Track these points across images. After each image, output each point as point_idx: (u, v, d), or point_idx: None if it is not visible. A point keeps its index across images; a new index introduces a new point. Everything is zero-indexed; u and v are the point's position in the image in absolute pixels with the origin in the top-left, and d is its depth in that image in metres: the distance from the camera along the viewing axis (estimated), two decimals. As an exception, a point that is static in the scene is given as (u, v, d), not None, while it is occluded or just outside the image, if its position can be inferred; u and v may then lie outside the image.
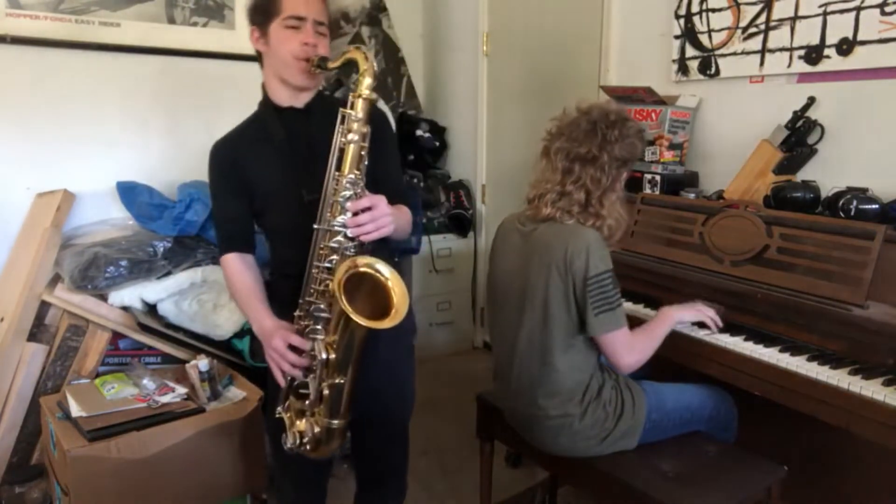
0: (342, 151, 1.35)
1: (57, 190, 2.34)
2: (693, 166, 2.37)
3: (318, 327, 1.38)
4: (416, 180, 3.55)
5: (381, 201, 1.35)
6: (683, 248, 1.95)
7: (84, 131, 2.44)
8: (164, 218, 2.32)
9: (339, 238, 1.36)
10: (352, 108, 1.35)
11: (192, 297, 2.26)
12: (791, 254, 1.72)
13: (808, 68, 2.04)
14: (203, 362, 2.01)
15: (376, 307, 1.32)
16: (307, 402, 1.39)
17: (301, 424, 1.41)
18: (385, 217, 1.35)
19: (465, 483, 2.32)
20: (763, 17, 2.13)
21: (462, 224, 3.57)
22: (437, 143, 3.75)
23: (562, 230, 1.54)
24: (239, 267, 1.55)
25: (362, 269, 1.32)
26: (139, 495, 1.83)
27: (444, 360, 3.53)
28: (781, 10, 2.08)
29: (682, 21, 2.38)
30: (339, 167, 1.35)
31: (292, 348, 1.38)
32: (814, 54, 2.02)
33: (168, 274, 2.23)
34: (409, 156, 3.65)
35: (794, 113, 2.03)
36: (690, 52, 2.37)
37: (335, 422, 1.37)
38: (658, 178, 2.24)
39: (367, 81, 1.35)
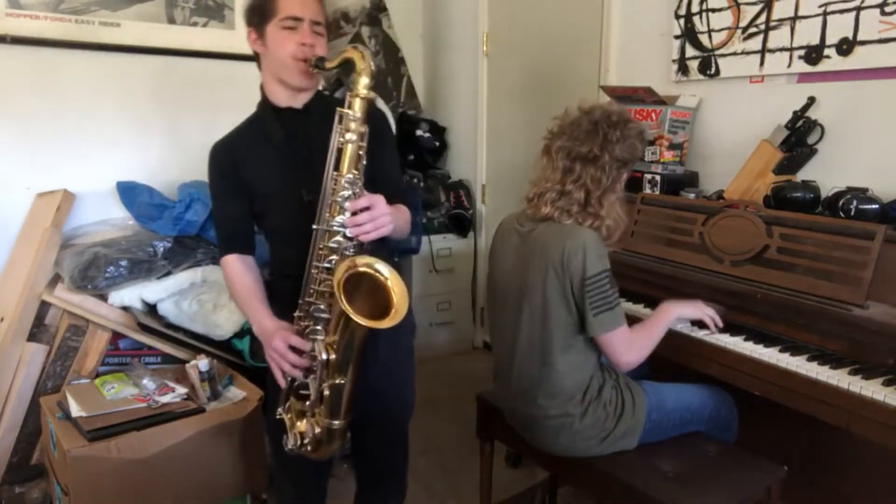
0: (340, 151, 1.35)
1: (57, 190, 2.34)
2: (693, 166, 2.37)
3: (318, 328, 1.38)
4: (416, 180, 3.55)
5: (379, 201, 1.35)
6: (683, 248, 1.95)
7: (84, 131, 2.44)
8: (164, 218, 2.32)
9: (339, 238, 1.36)
10: (349, 107, 1.35)
11: (192, 297, 2.26)
12: (791, 254, 1.72)
13: (808, 68, 2.04)
14: (203, 362, 2.01)
15: (376, 307, 1.32)
16: (308, 402, 1.39)
17: (302, 425, 1.41)
18: (384, 217, 1.35)
19: (465, 483, 2.32)
20: (763, 17, 2.13)
21: (462, 224, 3.57)
22: (437, 143, 3.75)
23: (560, 230, 1.54)
24: (239, 268, 1.55)
25: (362, 269, 1.33)
26: (139, 495, 1.83)
27: (444, 360, 3.53)
28: (781, 10, 2.08)
29: (682, 21, 2.39)
30: (337, 167, 1.35)
31: (292, 349, 1.38)
32: (814, 54, 2.02)
33: (168, 274, 2.23)
34: (409, 156, 3.65)
35: (794, 113, 2.03)
36: (690, 52, 2.37)
37: (336, 422, 1.37)
38: (658, 178, 2.24)
39: (365, 81, 1.35)
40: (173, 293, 2.23)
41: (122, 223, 2.44)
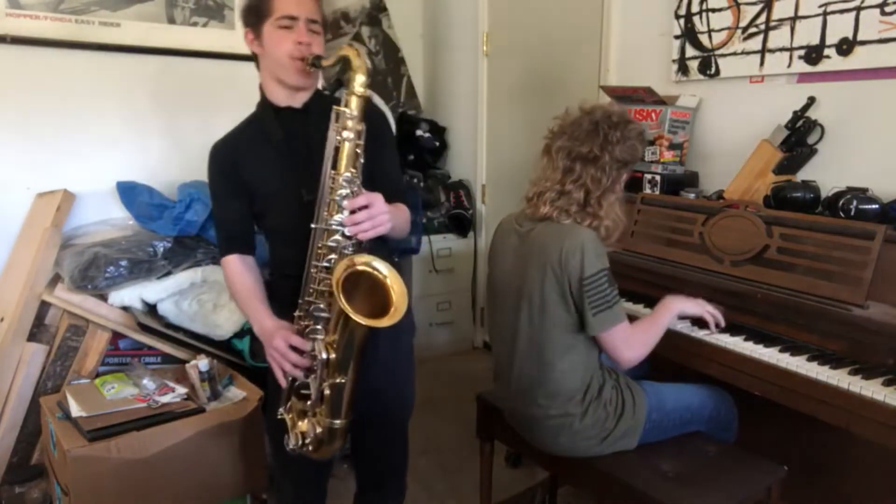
0: (337, 150, 1.35)
1: (57, 190, 2.34)
2: (693, 166, 2.37)
3: (319, 327, 1.38)
4: (416, 180, 3.55)
5: (377, 199, 1.35)
6: (683, 248, 1.95)
7: (84, 131, 2.44)
8: (164, 218, 2.32)
9: (337, 237, 1.36)
10: (346, 105, 1.35)
11: (192, 297, 2.26)
12: (791, 254, 1.72)
13: (808, 68, 2.04)
14: (203, 362, 2.01)
15: (376, 305, 1.32)
16: (309, 402, 1.39)
17: (303, 425, 1.41)
18: (382, 215, 1.35)
19: (465, 483, 2.32)
20: (763, 17, 2.13)
21: (462, 224, 3.57)
22: (437, 143, 3.75)
23: (558, 230, 1.54)
24: (239, 268, 1.55)
25: (360, 268, 1.32)
26: (139, 495, 1.83)
27: (444, 360, 3.53)
28: (781, 10, 2.08)
29: (682, 21, 2.39)
30: (334, 165, 1.35)
31: (293, 348, 1.38)
32: (814, 54, 2.02)
33: (168, 274, 2.23)
34: (409, 156, 3.66)
35: (794, 113, 2.03)
36: (690, 52, 2.37)
37: (337, 422, 1.37)
38: (658, 178, 2.24)
39: (361, 78, 1.34)
40: (173, 293, 2.23)
41: (122, 223, 2.43)
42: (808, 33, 2.02)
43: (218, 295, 2.29)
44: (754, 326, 1.70)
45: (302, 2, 1.44)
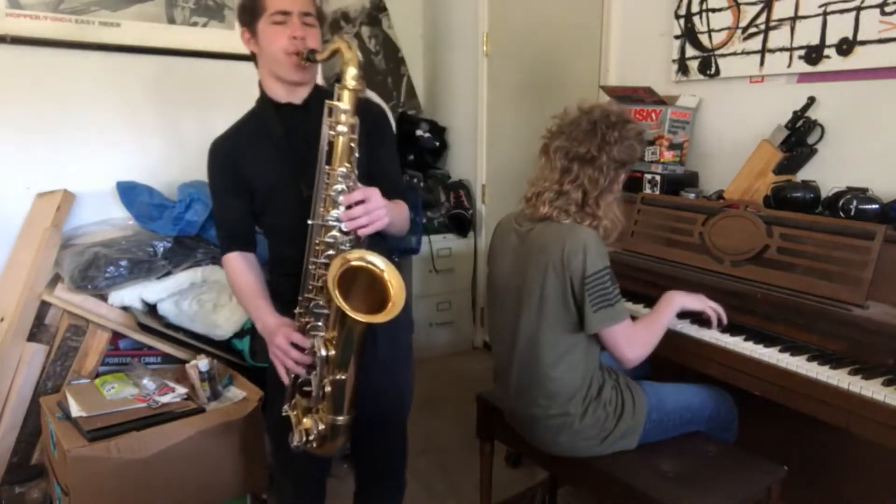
0: (331, 144, 1.35)
1: (57, 190, 2.34)
2: (693, 166, 2.37)
3: (319, 324, 1.38)
4: (416, 180, 3.55)
5: (374, 193, 1.35)
6: (683, 248, 1.95)
7: (84, 131, 2.44)
8: (164, 218, 2.32)
9: (335, 233, 1.35)
10: (338, 99, 1.34)
11: (192, 297, 2.26)
12: (791, 254, 1.72)
13: (808, 68, 2.04)
14: (203, 362, 2.02)
15: (374, 300, 1.31)
16: (311, 399, 1.39)
17: (307, 422, 1.40)
18: (379, 210, 1.35)
19: (465, 483, 2.32)
20: (763, 17, 2.13)
21: (462, 224, 3.57)
22: (437, 143, 3.75)
23: (559, 229, 1.54)
24: (241, 265, 1.55)
25: (356, 263, 1.32)
26: (139, 495, 1.83)
27: (444, 360, 3.53)
28: (781, 10, 2.08)
29: (682, 21, 2.39)
30: (329, 161, 1.35)
31: (295, 346, 1.38)
32: (814, 54, 2.02)
33: (168, 274, 2.23)
34: (409, 156, 3.66)
35: (794, 113, 2.03)
36: (690, 52, 2.37)
37: (340, 418, 1.37)
38: (658, 178, 2.24)
39: (353, 71, 1.34)
40: (173, 293, 2.23)
41: (122, 223, 2.43)
42: (808, 33, 2.02)
43: (218, 295, 2.30)
44: (754, 326, 1.70)
45: None
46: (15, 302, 2.13)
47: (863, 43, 1.90)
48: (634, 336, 1.54)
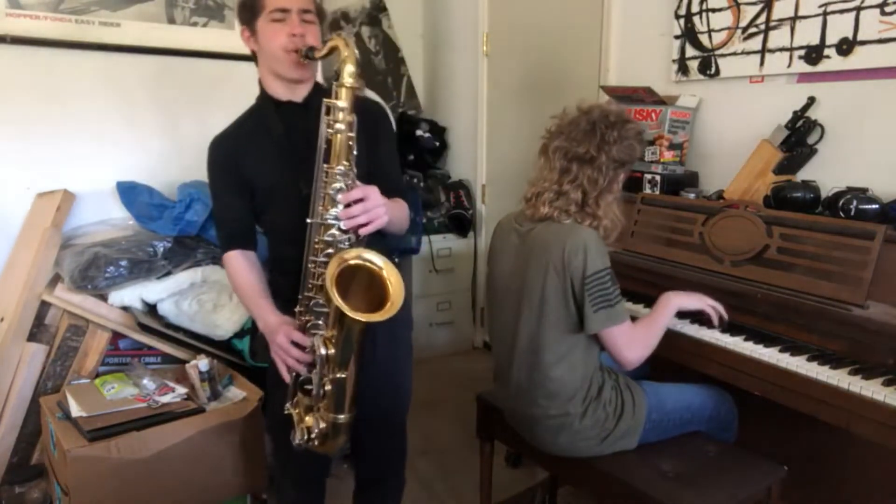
0: (329, 142, 1.35)
1: (57, 190, 2.34)
2: (693, 166, 2.37)
3: (320, 322, 1.38)
4: (416, 180, 3.55)
5: (373, 192, 1.35)
6: (683, 248, 1.95)
7: (84, 131, 2.44)
8: (164, 218, 2.32)
9: (334, 231, 1.35)
10: (336, 97, 1.34)
11: (192, 297, 2.26)
12: (791, 254, 1.72)
13: (808, 68, 2.04)
14: (203, 362, 2.02)
15: (374, 298, 1.31)
16: (311, 397, 1.39)
17: (309, 420, 1.41)
18: (378, 208, 1.35)
19: (465, 483, 2.32)
20: (763, 17, 2.13)
21: (462, 224, 3.57)
22: (437, 143, 3.75)
23: (559, 229, 1.54)
24: (242, 264, 1.55)
25: (354, 262, 1.32)
26: (139, 495, 1.83)
27: (444, 360, 3.53)
28: (781, 10, 2.08)
29: (682, 21, 2.38)
30: (327, 159, 1.34)
31: (295, 344, 1.38)
32: (814, 54, 2.02)
33: (168, 274, 2.23)
34: (409, 156, 3.66)
35: (794, 113, 2.03)
36: (690, 52, 2.37)
37: (341, 417, 1.37)
38: (658, 178, 2.24)
39: (350, 69, 1.33)
40: (173, 293, 2.23)
41: (122, 223, 2.43)
42: (808, 33, 2.02)
43: (218, 295, 2.30)
44: (754, 326, 1.70)
45: None
46: (15, 302, 2.13)
47: (863, 43, 1.90)
48: (634, 337, 1.54)
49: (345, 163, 1.34)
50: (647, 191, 2.24)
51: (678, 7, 2.39)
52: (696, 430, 1.69)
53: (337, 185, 1.34)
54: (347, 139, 1.35)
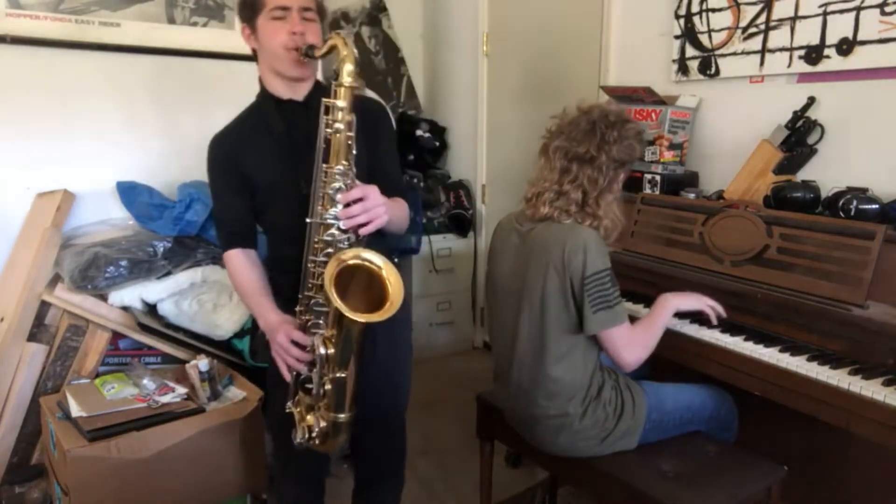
0: (328, 142, 1.34)
1: (57, 190, 2.34)
2: (693, 166, 2.37)
3: (320, 321, 1.38)
4: (416, 180, 3.55)
5: (372, 191, 1.35)
6: (683, 248, 1.95)
7: (84, 131, 2.44)
8: (164, 218, 2.32)
9: (333, 231, 1.35)
10: (335, 96, 1.34)
11: (192, 297, 2.26)
12: (791, 254, 1.72)
13: (808, 68, 2.04)
14: (203, 362, 2.02)
15: (373, 297, 1.31)
16: (311, 396, 1.39)
17: (310, 419, 1.41)
18: (378, 207, 1.35)
19: (465, 483, 2.32)
20: (763, 17, 2.13)
21: (462, 224, 3.57)
22: (437, 143, 3.75)
23: (560, 229, 1.54)
24: (243, 262, 1.54)
25: (352, 262, 1.31)
26: (139, 495, 1.83)
27: (444, 360, 3.53)
28: (781, 10, 2.08)
29: (682, 21, 2.38)
30: (326, 159, 1.34)
31: (295, 343, 1.38)
32: (814, 54, 2.02)
33: (168, 274, 2.23)
34: (409, 156, 3.66)
35: (794, 113, 2.03)
36: (690, 52, 2.37)
37: (341, 416, 1.37)
38: (658, 178, 2.24)
39: (349, 68, 1.33)
40: (173, 293, 2.23)
41: (122, 223, 2.43)
42: (808, 33, 2.02)
43: (218, 295, 2.30)
44: (754, 326, 1.70)
45: None
46: (15, 302, 2.13)
47: (863, 43, 1.90)
48: (633, 339, 1.54)
49: (344, 162, 1.34)
50: (647, 191, 2.24)
51: (678, 7, 2.39)
52: (696, 430, 1.69)
53: (336, 185, 1.33)
54: (346, 139, 1.34)
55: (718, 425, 1.72)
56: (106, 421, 1.84)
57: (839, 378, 1.43)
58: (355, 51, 1.35)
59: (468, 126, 3.62)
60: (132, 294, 2.18)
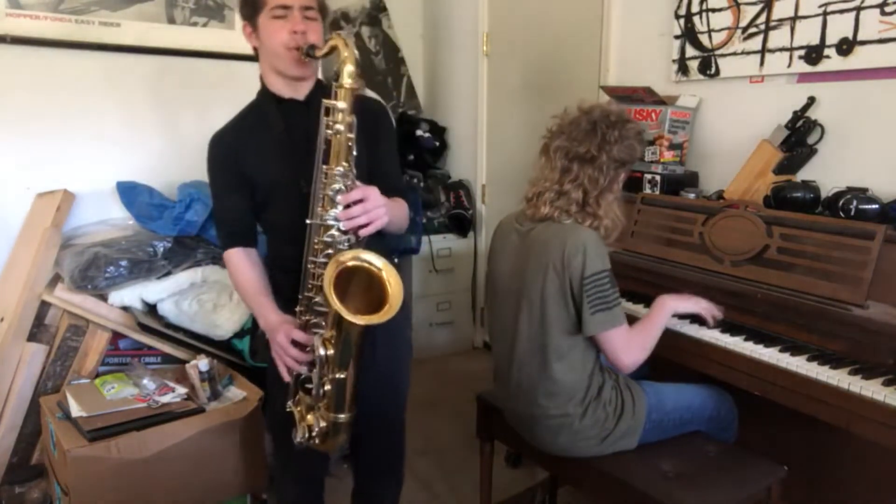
0: (329, 143, 1.34)
1: (57, 190, 2.34)
2: (693, 166, 2.37)
3: (321, 321, 1.38)
4: (416, 180, 3.55)
5: (373, 192, 1.34)
6: (683, 248, 1.95)
7: (84, 131, 2.44)
8: (164, 218, 2.32)
9: (333, 232, 1.35)
10: (335, 97, 1.34)
11: (192, 297, 2.26)
12: (791, 254, 1.72)
13: (808, 68, 2.04)
14: (203, 362, 2.02)
15: (373, 298, 1.31)
16: (311, 396, 1.39)
17: (310, 418, 1.41)
18: (378, 208, 1.34)
19: (465, 483, 2.32)
20: (763, 17, 2.13)
21: (462, 224, 3.57)
22: (437, 143, 3.76)
23: (560, 229, 1.54)
24: (243, 261, 1.54)
25: (351, 264, 1.31)
26: (139, 495, 1.83)
27: (444, 360, 3.53)
28: (781, 10, 2.08)
29: (682, 21, 2.39)
30: (326, 160, 1.34)
31: (295, 343, 1.38)
32: (814, 54, 2.02)
33: (168, 274, 2.23)
34: (409, 156, 3.66)
35: (794, 113, 2.03)
36: (690, 52, 2.37)
37: (341, 416, 1.37)
38: (658, 178, 2.24)
39: (349, 69, 1.33)
40: (173, 293, 2.23)
41: (122, 223, 2.43)
42: (808, 33, 2.02)
43: (218, 295, 2.30)
44: (754, 326, 1.70)
45: None
46: (15, 302, 2.13)
47: (863, 43, 1.90)
48: (631, 341, 1.54)
49: (344, 164, 1.34)
50: (647, 191, 2.24)
51: (678, 7, 2.39)
52: (696, 430, 1.69)
53: (336, 186, 1.33)
54: (347, 140, 1.34)
55: (718, 425, 1.72)
56: (106, 421, 1.83)
57: (839, 378, 1.44)
58: (356, 52, 1.35)
59: (468, 126, 3.62)
60: (132, 294, 2.18)
